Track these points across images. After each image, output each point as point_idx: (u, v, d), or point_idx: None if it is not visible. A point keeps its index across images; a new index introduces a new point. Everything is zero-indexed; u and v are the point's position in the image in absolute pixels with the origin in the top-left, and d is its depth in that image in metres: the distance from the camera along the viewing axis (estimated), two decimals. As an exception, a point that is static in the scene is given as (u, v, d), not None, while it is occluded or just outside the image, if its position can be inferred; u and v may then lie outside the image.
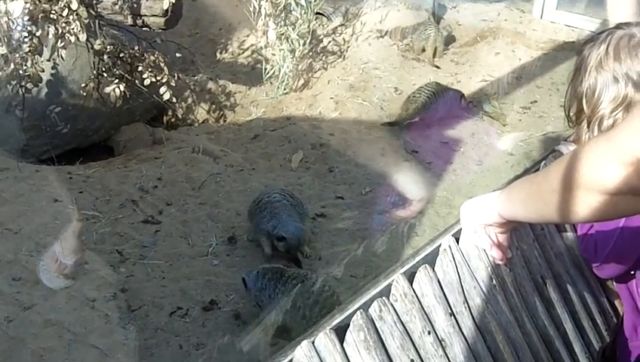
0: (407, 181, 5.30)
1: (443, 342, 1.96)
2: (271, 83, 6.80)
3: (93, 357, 3.66)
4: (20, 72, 5.00)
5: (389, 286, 1.94)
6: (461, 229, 2.12)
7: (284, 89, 6.70)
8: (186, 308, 4.09)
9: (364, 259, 4.49)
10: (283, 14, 6.71)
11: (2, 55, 4.94)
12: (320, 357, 1.72)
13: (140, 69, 5.60)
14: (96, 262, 4.31)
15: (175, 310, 4.07)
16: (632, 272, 2.33)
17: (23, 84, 5.04)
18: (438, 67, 7.05)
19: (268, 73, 6.79)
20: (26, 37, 4.94)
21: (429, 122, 6.03)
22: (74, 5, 4.95)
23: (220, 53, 7.38)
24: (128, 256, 4.45)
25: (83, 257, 4.38)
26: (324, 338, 1.73)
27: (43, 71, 5.16)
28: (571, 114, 2.42)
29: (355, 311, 1.81)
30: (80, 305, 3.96)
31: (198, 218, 4.86)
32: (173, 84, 5.67)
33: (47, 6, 4.96)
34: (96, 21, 5.47)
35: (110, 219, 4.75)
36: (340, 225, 4.90)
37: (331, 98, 6.45)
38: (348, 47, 7.20)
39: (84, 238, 4.52)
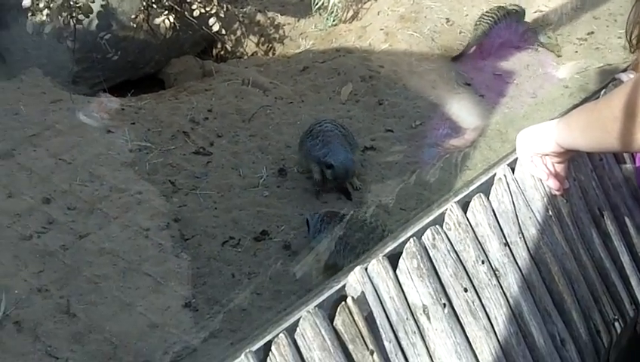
0: (460, 110, 5.23)
1: (497, 272, 1.94)
2: (320, 14, 6.71)
3: (147, 284, 3.74)
4: (71, 2, 5.02)
5: (443, 214, 1.92)
6: (517, 159, 2.08)
7: (334, 20, 6.62)
8: (238, 237, 4.14)
9: (414, 191, 4.48)
10: (332, -58, 6.59)
11: (53, -14, 4.96)
12: (373, 284, 1.71)
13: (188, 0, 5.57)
14: (149, 192, 4.37)
15: (227, 240, 4.13)
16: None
17: (74, 15, 5.05)
18: (491, -3, 6.87)
19: (317, 4, 6.69)
20: (76, -33, 4.96)
21: (486, 52, 5.91)
22: None
23: (269, -17, 7.30)
24: (181, 186, 4.49)
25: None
26: (376, 265, 1.73)
27: (93, 2, 5.18)
28: (632, 38, 2.33)
29: (407, 239, 1.80)
30: (134, 234, 4.03)
31: (249, 149, 4.88)
32: (222, 16, 5.64)
33: None
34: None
35: (162, 150, 4.79)
36: (389, 158, 4.87)
37: (381, 29, 6.34)
38: (399, -24, 7.06)
39: (138, 168, 4.58)
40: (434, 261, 1.83)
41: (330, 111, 5.31)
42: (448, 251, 1.86)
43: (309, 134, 4.61)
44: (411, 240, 1.80)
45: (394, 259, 1.78)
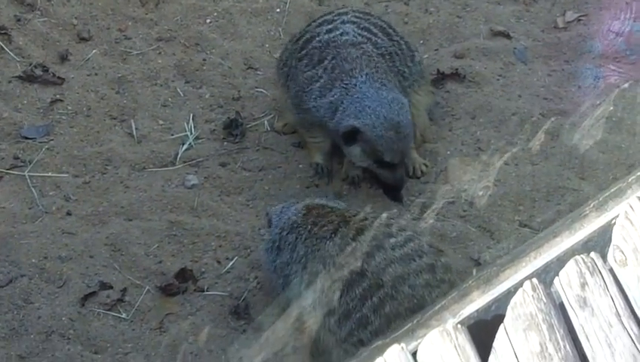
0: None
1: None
2: None
3: None
4: None
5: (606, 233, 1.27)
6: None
7: None
8: (121, 286, 2.64)
9: (552, 178, 2.70)
10: None
11: None
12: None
13: None
14: None
15: (94, 291, 2.64)
16: None
17: None
18: None
19: None
20: None
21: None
22: None
23: None
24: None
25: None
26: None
27: None
28: None
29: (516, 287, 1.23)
30: None
31: (153, 73, 3.16)
32: None
33: None
34: None
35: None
36: (496, 97, 2.88)
37: None
38: None
39: None
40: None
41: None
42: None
43: (303, 48, 2.68)
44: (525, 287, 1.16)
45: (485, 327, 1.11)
